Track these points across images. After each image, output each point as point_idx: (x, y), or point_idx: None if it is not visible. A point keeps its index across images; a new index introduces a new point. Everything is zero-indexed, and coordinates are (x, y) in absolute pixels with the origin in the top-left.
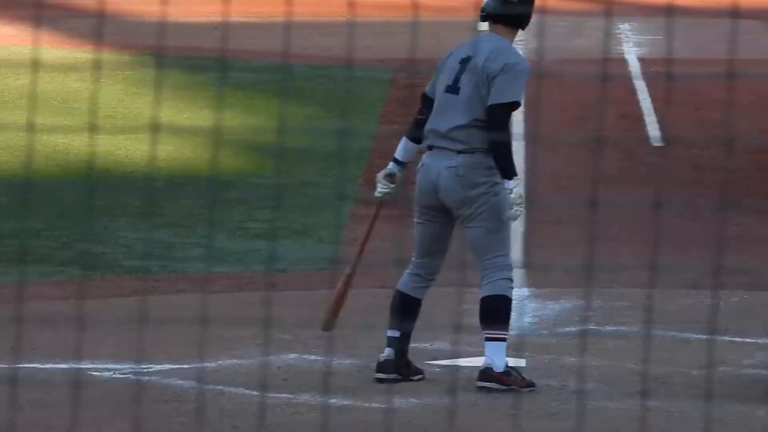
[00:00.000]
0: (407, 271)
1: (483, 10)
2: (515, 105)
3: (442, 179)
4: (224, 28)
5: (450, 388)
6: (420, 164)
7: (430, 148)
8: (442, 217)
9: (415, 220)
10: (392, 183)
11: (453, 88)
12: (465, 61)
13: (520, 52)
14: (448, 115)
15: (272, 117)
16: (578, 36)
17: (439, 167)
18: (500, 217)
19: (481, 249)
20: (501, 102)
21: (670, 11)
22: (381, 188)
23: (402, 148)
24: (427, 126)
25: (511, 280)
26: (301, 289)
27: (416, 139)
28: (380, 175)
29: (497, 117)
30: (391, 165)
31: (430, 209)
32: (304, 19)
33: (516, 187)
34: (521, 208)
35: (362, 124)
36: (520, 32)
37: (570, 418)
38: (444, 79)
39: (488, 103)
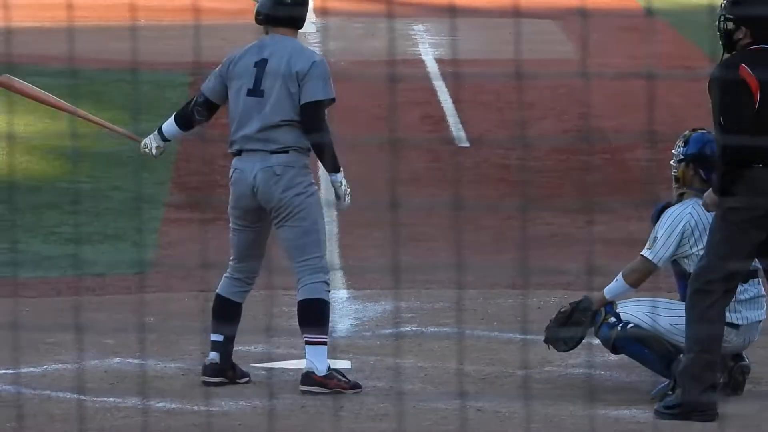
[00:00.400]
0: (225, 274)
1: (258, 13)
2: (330, 101)
3: (258, 180)
4: (9, 34)
5: (273, 390)
6: (232, 170)
7: (239, 153)
8: (259, 221)
9: (231, 225)
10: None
11: (256, 91)
12: (261, 64)
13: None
14: (255, 118)
15: (75, 121)
16: (373, 37)
17: (254, 169)
18: (315, 218)
19: (296, 250)
20: (316, 99)
21: (452, 11)
22: (150, 144)
23: (169, 123)
24: (234, 133)
25: (327, 283)
26: (119, 293)
27: (184, 121)
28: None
29: (314, 114)
30: (153, 135)
31: (247, 213)
32: (96, 24)
33: (343, 179)
34: (349, 198)
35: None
36: (314, 33)
37: (398, 420)
38: (242, 84)
39: (303, 102)
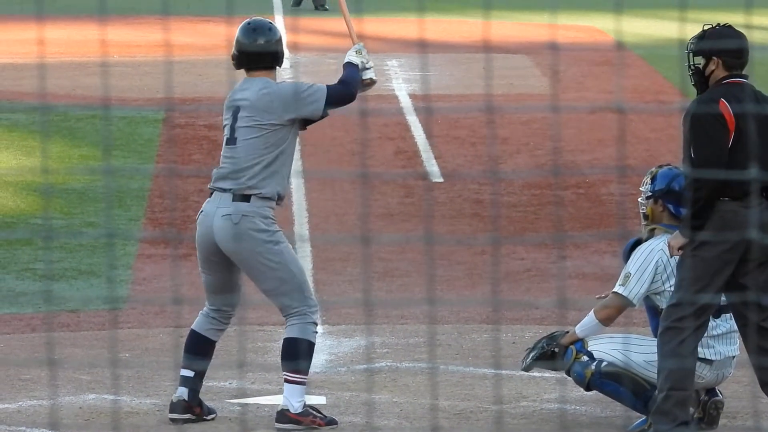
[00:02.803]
0: (202, 311)
1: (234, 57)
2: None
3: (216, 228)
4: None
5: (248, 426)
6: (200, 211)
7: (211, 193)
8: (225, 263)
9: (199, 268)
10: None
11: (231, 138)
12: (236, 110)
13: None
14: (227, 160)
15: (48, 157)
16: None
17: (215, 214)
18: (287, 263)
19: (280, 300)
20: (324, 102)
21: (424, 46)
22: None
23: None
24: (213, 172)
25: (315, 323)
26: (93, 328)
27: None
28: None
29: (336, 102)
30: None
31: (213, 256)
32: (69, 60)
33: (357, 53)
34: (370, 64)
35: (139, 164)
36: (288, 68)
37: None
38: (224, 126)
39: (322, 116)
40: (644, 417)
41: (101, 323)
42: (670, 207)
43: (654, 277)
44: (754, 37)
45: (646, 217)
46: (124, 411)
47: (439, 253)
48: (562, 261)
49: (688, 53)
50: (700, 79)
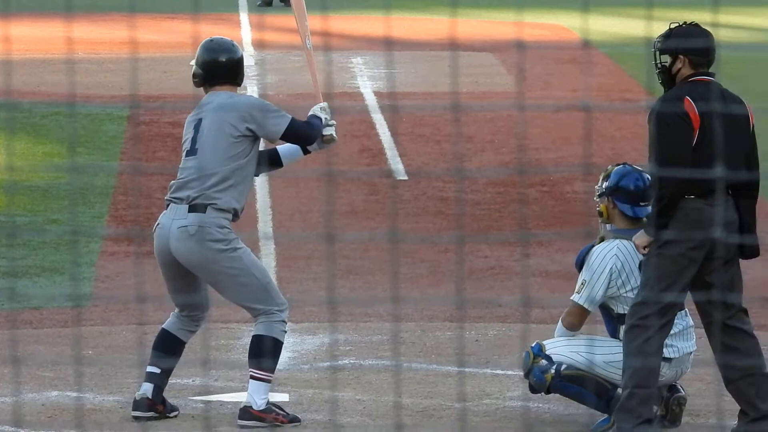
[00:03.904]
0: (173, 312)
1: (195, 76)
2: (292, 120)
3: (172, 240)
4: None
5: (211, 423)
6: (156, 223)
7: (167, 205)
8: (187, 272)
9: (162, 277)
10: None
11: (193, 151)
12: (198, 125)
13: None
14: (186, 173)
15: (12, 154)
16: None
17: (172, 226)
18: (247, 267)
19: (246, 304)
20: (285, 128)
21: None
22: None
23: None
24: (170, 184)
25: (284, 322)
26: (56, 326)
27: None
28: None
29: (294, 137)
30: None
31: (172, 267)
32: (34, 57)
33: (321, 110)
34: (332, 122)
35: (103, 161)
36: (252, 66)
37: None
38: (184, 141)
39: (279, 138)
40: (607, 416)
41: (65, 320)
42: (619, 204)
43: (609, 283)
44: (720, 35)
45: (600, 214)
46: (87, 408)
47: (403, 251)
48: (525, 259)
49: (655, 52)
50: (667, 77)
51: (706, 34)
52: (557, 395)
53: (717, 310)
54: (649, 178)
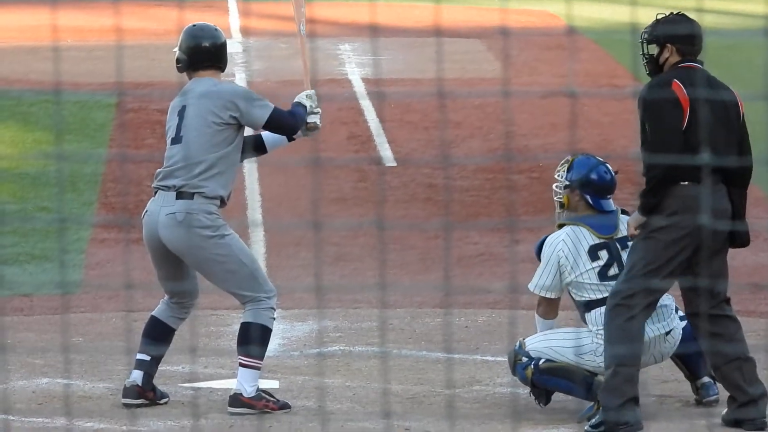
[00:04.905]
0: (163, 300)
1: (178, 61)
2: (275, 110)
3: (161, 226)
4: None
5: (201, 410)
6: (144, 210)
7: (155, 192)
8: (176, 259)
9: (152, 264)
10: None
11: (177, 138)
12: (182, 111)
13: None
14: (173, 161)
15: (1, 142)
16: (298, 57)
17: (160, 213)
18: (236, 254)
19: (234, 291)
20: (266, 117)
21: (375, 30)
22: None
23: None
24: (156, 173)
25: (273, 309)
26: (46, 313)
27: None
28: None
29: (277, 126)
30: None
31: (161, 254)
32: (22, 44)
33: (307, 97)
34: (317, 110)
35: (91, 148)
36: (240, 53)
37: None
38: (168, 128)
39: (260, 127)
40: (592, 403)
41: (54, 308)
42: (588, 197)
43: (559, 269)
44: (705, 21)
45: (562, 206)
46: (77, 395)
47: (391, 237)
48: (514, 245)
49: (642, 42)
50: (654, 67)
51: (693, 23)
52: None
53: (703, 299)
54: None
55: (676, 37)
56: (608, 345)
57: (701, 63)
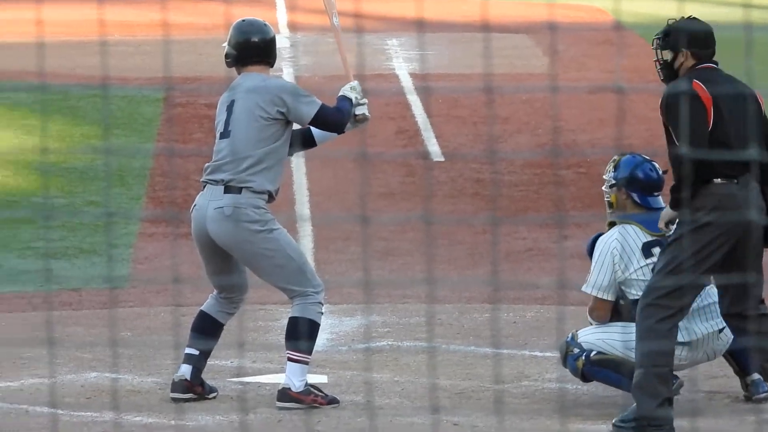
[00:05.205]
0: (212, 294)
1: (227, 56)
2: (322, 107)
3: (209, 221)
4: None
5: (249, 405)
6: (193, 204)
7: (204, 186)
8: (224, 253)
9: (200, 259)
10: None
11: (226, 133)
12: (230, 106)
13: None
14: (221, 155)
15: (50, 136)
16: (348, 52)
17: (208, 207)
18: (283, 248)
19: (282, 286)
20: (313, 114)
21: (422, 25)
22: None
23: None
24: (205, 167)
25: (320, 303)
26: (94, 307)
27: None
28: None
29: (323, 123)
30: None
31: (210, 248)
32: (69, 39)
33: (351, 89)
34: (363, 101)
35: (139, 143)
36: (288, 48)
37: None
38: (217, 123)
39: (307, 123)
40: None
41: (102, 302)
42: (634, 195)
43: (614, 268)
44: (753, 17)
45: (610, 205)
46: (125, 390)
47: (439, 232)
48: (563, 241)
49: (656, 49)
50: (670, 72)
51: (706, 26)
52: None
53: (750, 297)
54: (659, 168)
55: (691, 41)
56: (639, 344)
57: (716, 63)
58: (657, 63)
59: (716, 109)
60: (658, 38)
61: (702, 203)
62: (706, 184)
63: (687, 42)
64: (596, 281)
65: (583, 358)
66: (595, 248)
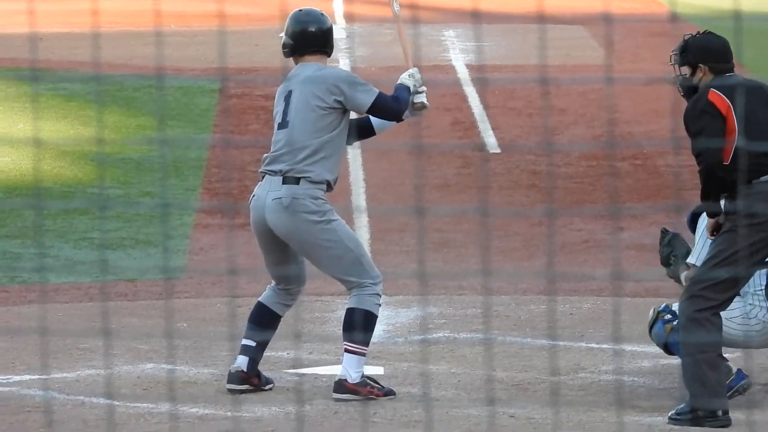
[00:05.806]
0: (270, 286)
1: (285, 46)
2: (379, 95)
3: (268, 211)
4: (45, 40)
5: (305, 396)
6: (252, 195)
7: (263, 177)
8: (283, 244)
9: (260, 249)
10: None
11: (284, 123)
12: (288, 96)
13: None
14: (279, 146)
15: (105, 127)
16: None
17: (267, 198)
18: (341, 239)
19: (340, 277)
20: (371, 103)
21: (477, 17)
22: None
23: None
24: (264, 158)
25: (378, 295)
26: (150, 298)
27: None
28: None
29: (380, 112)
30: None
31: (268, 239)
32: (126, 30)
33: (410, 76)
34: (422, 89)
35: (195, 134)
36: (344, 38)
37: (431, 426)
38: (275, 113)
39: (365, 113)
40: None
41: (158, 293)
42: None
43: None
44: None
45: None
46: (181, 381)
47: (495, 224)
48: (618, 232)
49: (674, 65)
50: (689, 89)
51: (723, 41)
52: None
53: None
54: None
55: (709, 57)
56: (685, 333)
57: (733, 72)
58: (675, 79)
59: (737, 112)
60: (676, 54)
61: (744, 204)
62: (741, 187)
63: (705, 58)
64: (701, 254)
65: (675, 323)
66: (700, 221)
